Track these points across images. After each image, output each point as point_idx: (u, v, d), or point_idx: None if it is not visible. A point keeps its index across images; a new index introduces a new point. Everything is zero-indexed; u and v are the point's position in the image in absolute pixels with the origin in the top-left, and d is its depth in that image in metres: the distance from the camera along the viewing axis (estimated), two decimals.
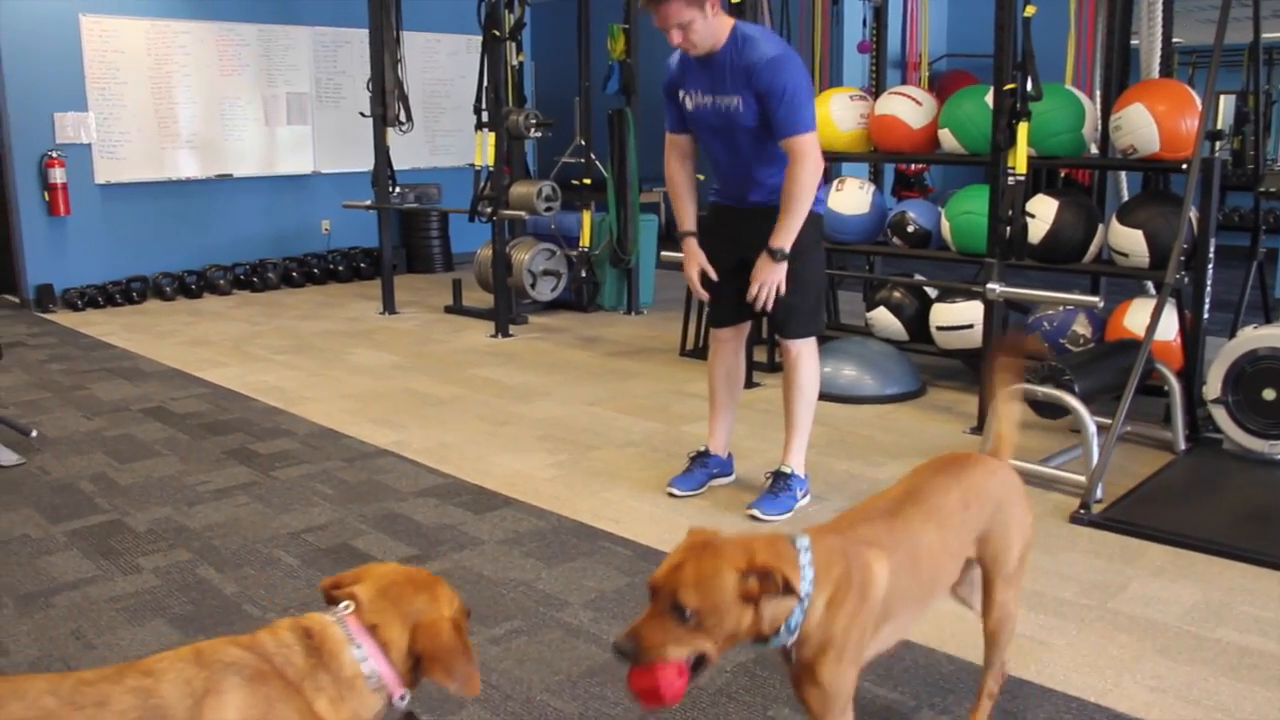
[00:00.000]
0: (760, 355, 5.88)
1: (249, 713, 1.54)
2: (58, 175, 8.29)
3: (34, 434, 4.90)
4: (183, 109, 8.94)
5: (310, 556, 3.54)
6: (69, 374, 6.27)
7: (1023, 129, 4.54)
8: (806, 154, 3.58)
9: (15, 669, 2.83)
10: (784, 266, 3.64)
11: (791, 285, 3.70)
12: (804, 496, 3.92)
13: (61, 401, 5.63)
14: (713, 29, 3.50)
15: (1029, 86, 4.51)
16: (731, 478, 4.17)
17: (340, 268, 9.69)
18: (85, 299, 8.46)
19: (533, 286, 7.56)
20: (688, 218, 3.92)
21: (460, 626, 1.73)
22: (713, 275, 3.86)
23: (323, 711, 1.59)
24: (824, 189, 5.85)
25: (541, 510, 3.92)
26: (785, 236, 3.61)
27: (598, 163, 7.68)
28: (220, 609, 3.16)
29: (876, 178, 6.66)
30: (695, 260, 3.87)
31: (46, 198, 8.34)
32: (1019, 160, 4.57)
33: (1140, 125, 4.66)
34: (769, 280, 3.65)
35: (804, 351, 3.83)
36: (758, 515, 3.77)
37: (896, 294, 5.68)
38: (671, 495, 4.01)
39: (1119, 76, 5.32)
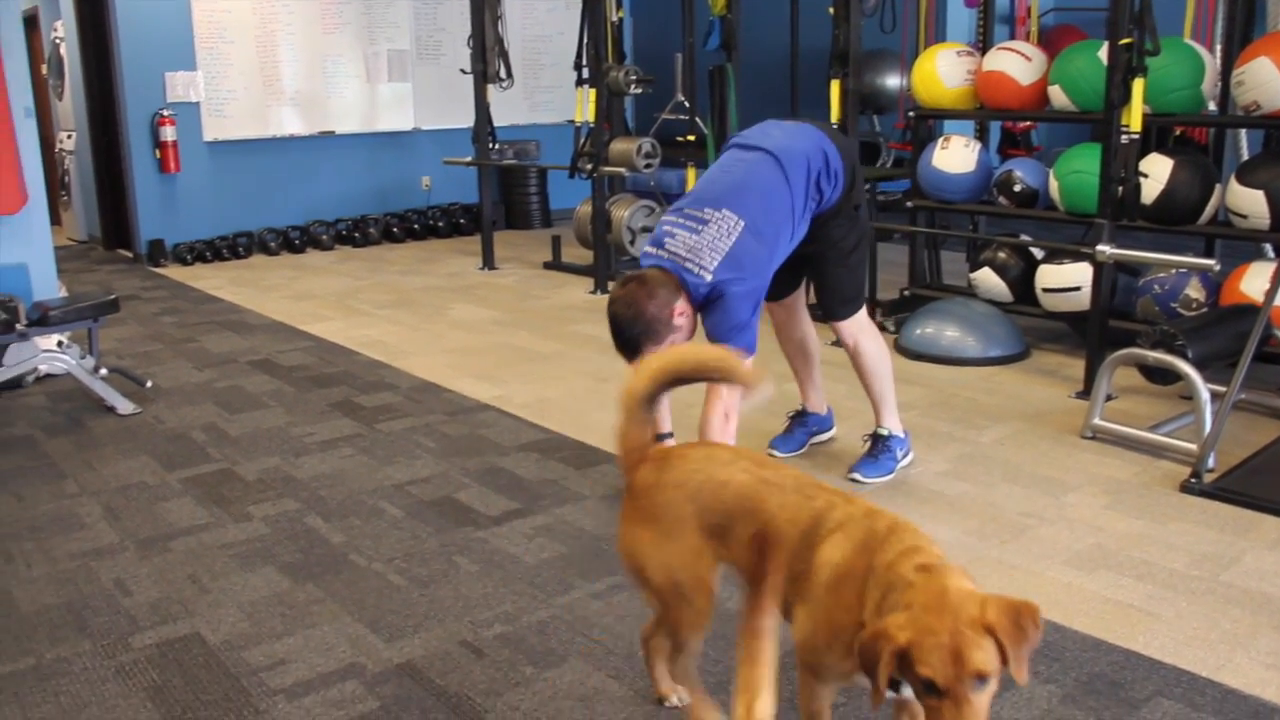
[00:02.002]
0: None
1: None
2: (168, 133, 8.51)
3: (149, 384, 5.06)
4: (286, 67, 9.09)
5: (414, 509, 3.61)
6: (180, 326, 6.45)
7: (1138, 85, 4.39)
8: (719, 391, 3.28)
9: (137, 609, 2.94)
10: None
11: (836, 271, 3.63)
12: (905, 456, 3.88)
13: (173, 353, 5.80)
14: (687, 329, 3.29)
15: (1146, 41, 4.35)
16: (832, 432, 4.16)
17: (440, 223, 9.81)
18: (194, 254, 8.70)
19: (632, 243, 7.56)
20: (660, 420, 3.55)
21: None
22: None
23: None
24: (930, 147, 5.77)
25: None
26: None
27: (699, 119, 7.63)
28: (328, 558, 3.25)
29: (982, 135, 6.51)
30: None
31: (158, 155, 8.57)
32: (1133, 118, 4.43)
33: (1265, 80, 4.47)
34: None
35: (858, 330, 3.74)
36: (858, 479, 3.75)
37: (1002, 254, 5.56)
38: (772, 456, 4.00)
39: (1242, 29, 5.11)
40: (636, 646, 2.69)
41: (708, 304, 3.29)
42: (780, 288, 3.83)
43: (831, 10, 5.48)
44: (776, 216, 3.37)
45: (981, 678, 1.60)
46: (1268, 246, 5.10)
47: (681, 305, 3.25)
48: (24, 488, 3.89)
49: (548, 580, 3.06)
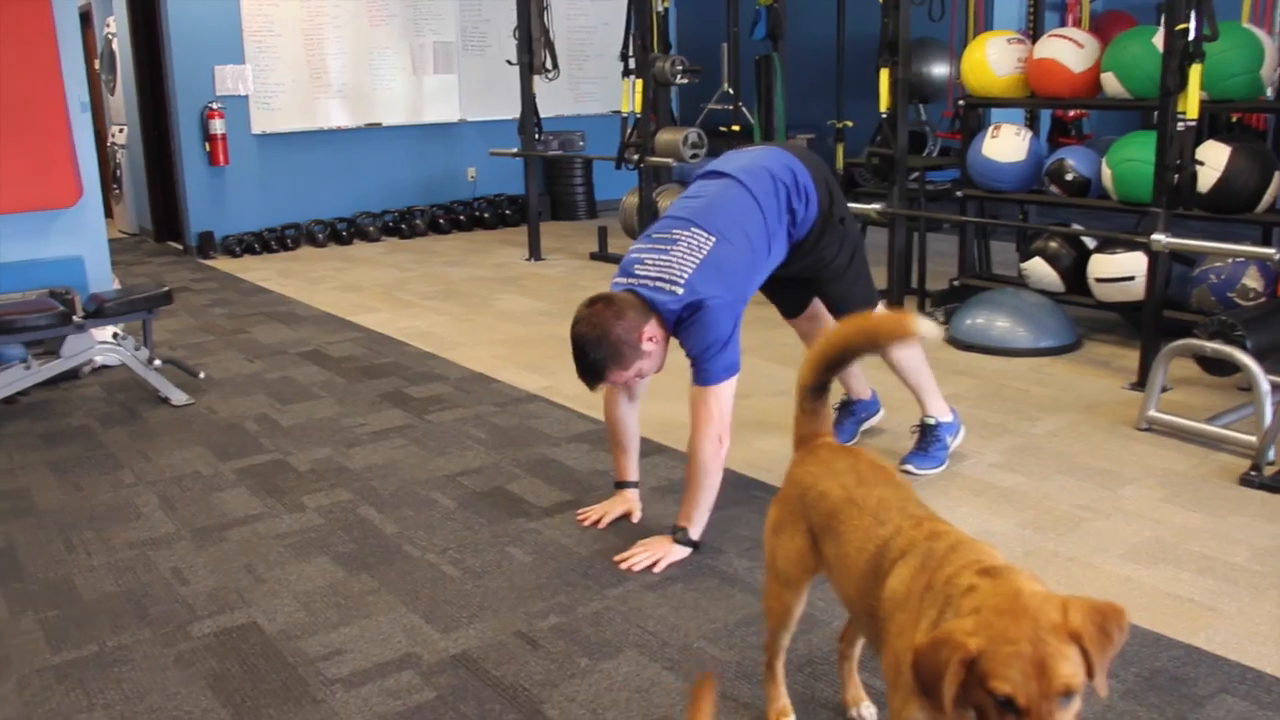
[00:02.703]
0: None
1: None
2: (218, 126, 8.60)
3: (202, 375, 5.13)
4: (333, 60, 9.15)
5: (466, 499, 3.63)
6: (230, 318, 6.52)
7: (1195, 71, 4.32)
8: (711, 415, 3.10)
9: (195, 598, 2.98)
10: (682, 552, 3.12)
11: (838, 287, 3.55)
12: (955, 439, 3.85)
13: (224, 344, 5.86)
14: (658, 356, 3.12)
15: (1204, 26, 4.28)
16: (880, 414, 4.15)
17: (486, 214, 9.84)
18: (243, 245, 8.78)
19: None
20: (627, 468, 3.47)
21: None
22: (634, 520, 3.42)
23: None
24: (980, 136, 5.71)
25: None
26: (695, 518, 3.16)
27: (744, 109, 7.61)
28: (381, 548, 3.27)
29: (1032, 124, 6.43)
30: (624, 506, 3.43)
31: (207, 148, 8.66)
32: (1190, 104, 4.36)
33: None
34: (654, 555, 3.10)
35: None
36: (911, 470, 3.72)
37: (1053, 244, 5.49)
38: None
39: None
40: (692, 639, 2.69)
41: (683, 324, 3.09)
42: (792, 305, 3.81)
43: None
44: (749, 229, 3.22)
45: (1068, 693, 1.40)
46: None
47: (651, 329, 3.05)
48: (82, 477, 3.95)
49: (601, 572, 3.06)
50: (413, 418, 4.49)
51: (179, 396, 4.80)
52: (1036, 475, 3.71)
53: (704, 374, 3.10)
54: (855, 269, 3.57)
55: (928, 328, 2.04)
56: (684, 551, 3.13)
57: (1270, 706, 2.37)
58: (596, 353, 3.01)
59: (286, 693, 2.51)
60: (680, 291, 3.06)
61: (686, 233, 3.18)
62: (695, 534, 3.16)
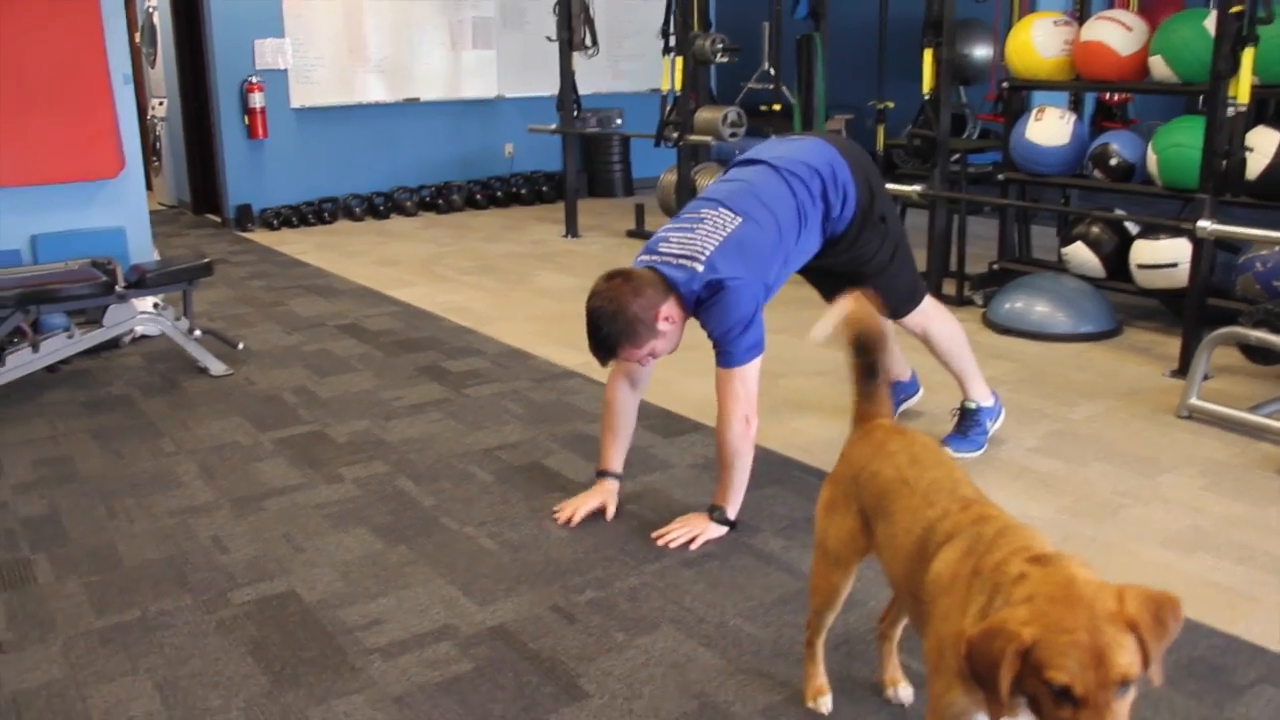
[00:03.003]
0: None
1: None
2: (257, 100, 8.64)
3: (240, 346, 5.17)
4: (372, 34, 9.16)
5: (504, 473, 3.64)
6: (268, 290, 6.57)
7: (1248, 55, 4.26)
8: (737, 396, 3.06)
9: (234, 566, 3.01)
10: (719, 530, 3.11)
11: (881, 281, 3.41)
12: (995, 422, 3.83)
13: (263, 316, 5.90)
14: (673, 336, 3.09)
15: (1258, 8, 4.21)
16: (919, 395, 4.14)
17: (522, 191, 9.85)
18: (280, 219, 8.84)
19: None
20: (613, 457, 3.36)
21: None
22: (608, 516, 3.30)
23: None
24: (1023, 119, 5.65)
25: None
26: (731, 499, 3.14)
27: (785, 89, 7.56)
28: (419, 521, 3.29)
29: (1076, 107, 6.36)
30: (600, 498, 3.31)
31: (246, 121, 8.71)
32: (1241, 89, 4.29)
33: None
34: (692, 531, 3.10)
35: (924, 320, 3.64)
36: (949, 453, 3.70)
37: (1095, 229, 5.43)
38: None
39: None
40: (728, 616, 2.70)
41: (704, 305, 3.05)
42: (833, 292, 3.71)
43: None
44: (779, 214, 3.17)
45: (1125, 683, 1.38)
46: None
47: (669, 309, 3.02)
48: (124, 445, 3.99)
49: (638, 548, 3.07)
50: (450, 392, 4.52)
51: (218, 367, 4.84)
52: (1075, 461, 3.68)
53: (728, 356, 3.06)
54: (897, 264, 3.52)
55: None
56: (721, 530, 3.12)
57: None
58: (611, 327, 2.98)
59: (325, 661, 2.54)
60: (700, 269, 3.02)
61: (715, 212, 3.16)
62: (732, 513, 3.15)
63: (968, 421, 3.79)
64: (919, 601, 1.76)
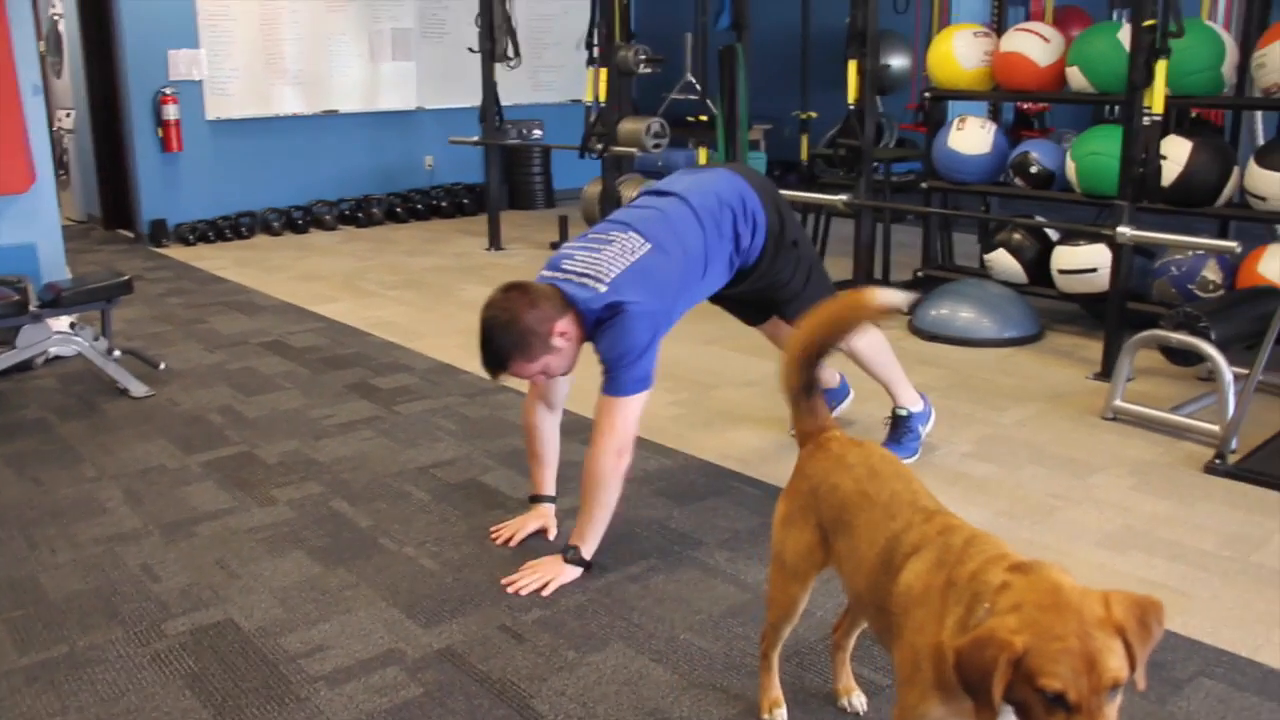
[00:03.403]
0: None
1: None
2: (171, 112, 8.44)
3: (162, 366, 5.03)
4: (289, 45, 9.01)
5: (441, 492, 3.59)
6: (187, 307, 6.41)
7: (1161, 67, 4.38)
8: (615, 427, 2.93)
9: (168, 595, 2.93)
10: (574, 573, 2.96)
11: (799, 305, 3.41)
12: (927, 426, 3.88)
13: (183, 334, 5.76)
14: (568, 355, 2.99)
15: (1170, 22, 4.33)
16: (850, 398, 4.16)
17: (443, 203, 9.75)
18: (196, 234, 8.64)
19: None
20: (544, 481, 3.32)
21: None
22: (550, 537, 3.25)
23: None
24: (945, 128, 5.74)
25: (667, 449, 3.93)
26: (589, 536, 2.99)
27: (708, 100, 7.60)
28: (357, 542, 3.23)
29: (995, 117, 6.49)
30: (538, 521, 3.26)
31: (160, 134, 8.50)
32: (1156, 99, 4.41)
33: None
34: (544, 577, 2.94)
35: None
36: None
37: (1017, 236, 5.54)
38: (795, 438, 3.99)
39: (1260, 11, 5.10)
40: (677, 630, 2.69)
41: (601, 327, 2.95)
42: (753, 318, 3.74)
43: None
44: (687, 244, 3.12)
45: (1115, 687, 1.41)
46: (1279, 228, 5.10)
47: (565, 325, 2.91)
48: (42, 472, 3.86)
49: None
50: (381, 409, 4.45)
51: (139, 388, 4.71)
52: (1008, 464, 3.74)
53: (614, 384, 2.94)
54: (812, 286, 3.49)
55: (893, 297, 2.03)
56: (576, 572, 2.96)
57: (1245, 688, 2.42)
58: (502, 339, 2.87)
59: (269, 691, 2.47)
60: (604, 289, 2.93)
61: (624, 235, 3.08)
62: (588, 553, 2.99)
63: (901, 428, 3.83)
64: (885, 613, 1.76)
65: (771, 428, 4.13)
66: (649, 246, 3.05)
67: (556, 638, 2.67)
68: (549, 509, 3.30)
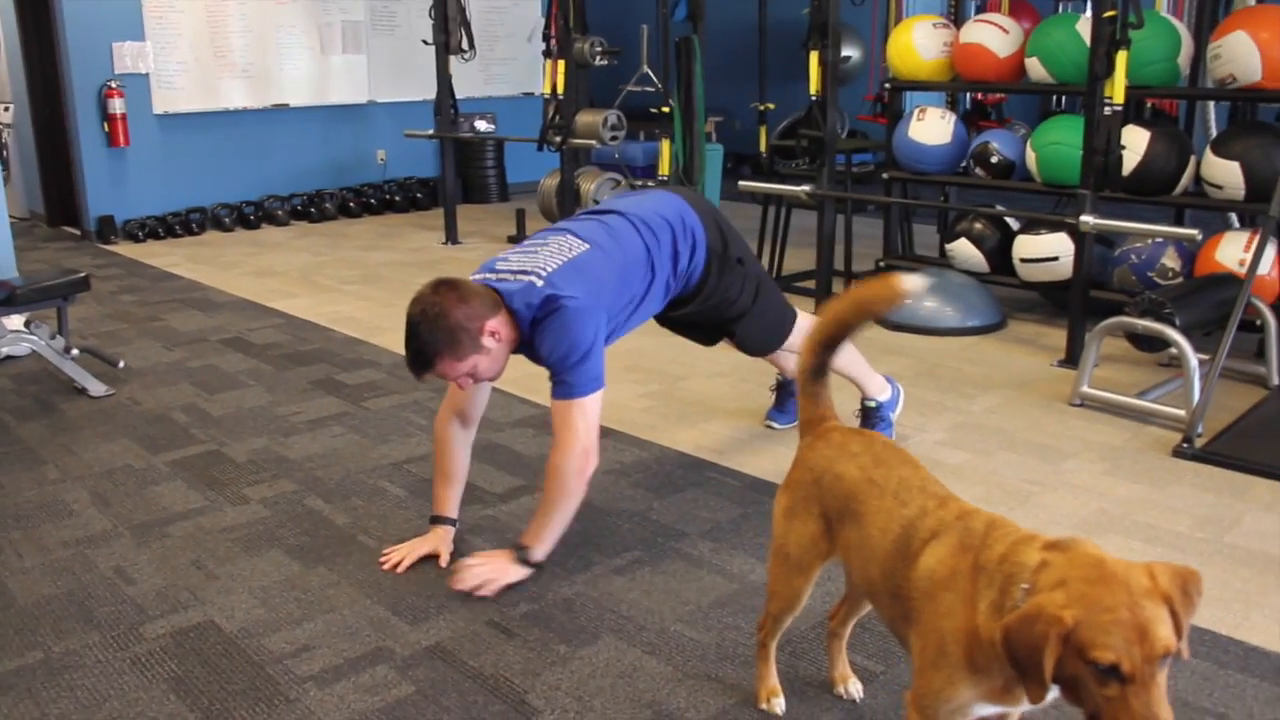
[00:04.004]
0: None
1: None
2: (117, 106, 8.28)
3: (121, 365, 4.93)
4: (237, 38, 8.87)
5: (416, 487, 3.55)
6: (142, 305, 6.30)
7: (1121, 57, 4.43)
8: (577, 431, 2.81)
9: (143, 597, 2.86)
10: (520, 573, 2.86)
11: (750, 322, 3.45)
12: (897, 410, 3.90)
13: (139, 332, 5.65)
14: (499, 357, 2.86)
15: (1130, 14, 4.39)
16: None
17: (397, 197, 9.66)
18: (145, 230, 8.49)
19: None
20: (447, 501, 3.14)
21: None
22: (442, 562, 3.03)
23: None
24: (906, 119, 5.78)
25: (642, 441, 3.92)
26: (544, 538, 2.87)
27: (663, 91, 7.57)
28: (335, 540, 3.18)
29: (954, 107, 6.54)
30: (432, 544, 3.06)
31: (106, 129, 8.34)
32: (1116, 90, 4.47)
33: (1242, 54, 4.54)
34: (489, 574, 2.84)
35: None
36: None
37: (978, 225, 5.60)
38: (770, 428, 4.01)
39: (1213, 3, 5.18)
40: (668, 622, 2.68)
41: (539, 326, 2.83)
42: (709, 339, 3.67)
43: None
44: (629, 251, 3.05)
45: (1166, 655, 1.41)
46: (1233, 216, 5.20)
47: (496, 324, 2.79)
48: (1, 474, 3.76)
49: (566, 557, 3.02)
50: (349, 405, 4.39)
51: (97, 387, 4.61)
52: (981, 451, 3.78)
53: (566, 386, 2.82)
54: (761, 302, 3.46)
55: (916, 283, 2.04)
56: (523, 573, 2.85)
57: (1229, 665, 2.46)
58: (430, 335, 2.73)
59: (257, 693, 2.43)
60: (539, 283, 2.83)
61: (561, 238, 3.03)
62: (540, 554, 2.87)
63: (872, 419, 3.85)
64: (901, 600, 1.76)
65: (744, 418, 4.14)
66: (587, 246, 2.99)
67: (546, 632, 2.65)
68: (448, 532, 3.09)
